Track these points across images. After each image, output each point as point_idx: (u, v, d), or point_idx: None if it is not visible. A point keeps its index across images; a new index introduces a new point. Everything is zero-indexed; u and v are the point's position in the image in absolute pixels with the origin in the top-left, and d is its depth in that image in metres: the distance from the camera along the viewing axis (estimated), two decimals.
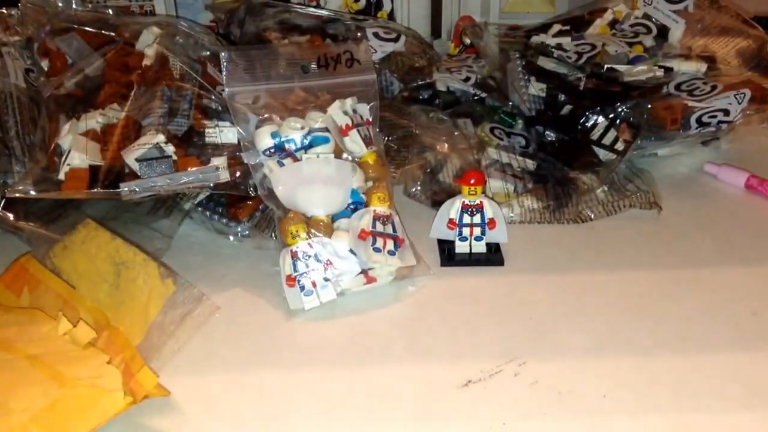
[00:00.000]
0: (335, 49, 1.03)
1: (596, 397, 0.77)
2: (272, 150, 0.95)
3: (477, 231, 0.99)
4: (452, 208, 0.99)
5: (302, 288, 0.90)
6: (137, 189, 0.94)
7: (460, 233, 0.99)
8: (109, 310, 0.88)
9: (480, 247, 1.00)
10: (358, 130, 0.97)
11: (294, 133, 0.95)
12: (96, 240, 0.95)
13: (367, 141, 0.98)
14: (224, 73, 0.97)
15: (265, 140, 0.95)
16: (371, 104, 1.01)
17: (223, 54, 0.99)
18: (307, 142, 0.95)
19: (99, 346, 0.81)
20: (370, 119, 1.01)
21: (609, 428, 0.73)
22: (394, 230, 0.95)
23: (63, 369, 0.76)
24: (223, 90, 0.99)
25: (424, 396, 0.78)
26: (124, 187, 0.93)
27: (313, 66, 1.00)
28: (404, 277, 0.96)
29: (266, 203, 0.96)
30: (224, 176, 0.97)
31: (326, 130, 0.96)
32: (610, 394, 0.77)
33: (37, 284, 0.93)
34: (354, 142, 0.97)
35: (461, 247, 1.00)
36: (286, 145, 0.94)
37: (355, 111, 0.99)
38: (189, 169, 0.96)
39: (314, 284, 0.90)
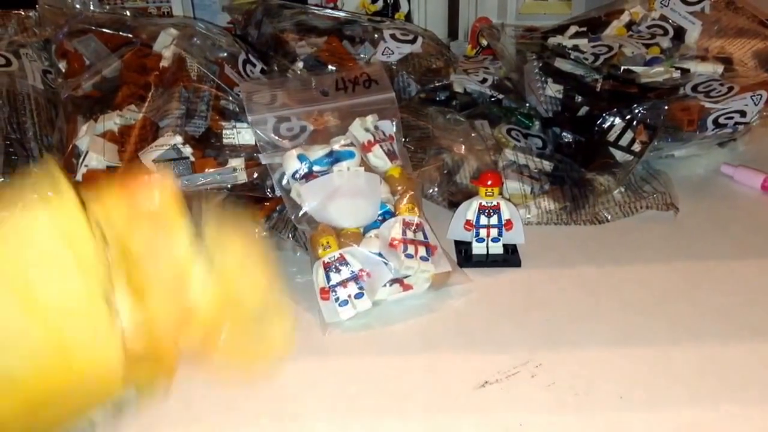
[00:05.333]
0: (352, 72, 1.04)
1: (613, 398, 0.77)
2: (300, 172, 0.95)
3: (494, 232, 0.99)
4: (469, 210, 0.99)
5: (337, 299, 0.89)
6: None
7: (477, 234, 0.99)
8: None
9: (497, 249, 1.00)
10: (380, 146, 0.98)
11: (319, 153, 0.96)
12: None
13: (391, 156, 0.98)
14: (245, 103, 0.98)
15: (293, 163, 0.95)
16: (394, 120, 1.02)
17: (241, 86, 1.00)
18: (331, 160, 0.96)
19: None
20: (393, 135, 1.01)
21: (626, 428, 0.74)
22: (425, 237, 0.94)
23: None
24: (240, 92, 0.99)
25: (441, 397, 0.78)
26: None
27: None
28: (441, 285, 0.95)
29: (297, 225, 0.96)
30: (241, 177, 0.98)
31: (351, 145, 0.96)
32: (627, 395, 0.77)
33: None
34: (377, 158, 0.98)
35: (478, 249, 1.00)
36: (315, 167, 0.95)
37: (377, 128, 1.00)
38: (206, 170, 0.96)
39: (349, 295, 0.90)
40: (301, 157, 0.95)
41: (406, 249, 0.91)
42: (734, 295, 0.93)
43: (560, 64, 1.26)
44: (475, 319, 0.90)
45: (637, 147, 1.13)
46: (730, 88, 1.15)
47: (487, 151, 1.15)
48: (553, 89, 1.24)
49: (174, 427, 0.76)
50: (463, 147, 1.15)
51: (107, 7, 1.30)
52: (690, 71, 1.21)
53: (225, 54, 1.13)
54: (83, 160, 0.96)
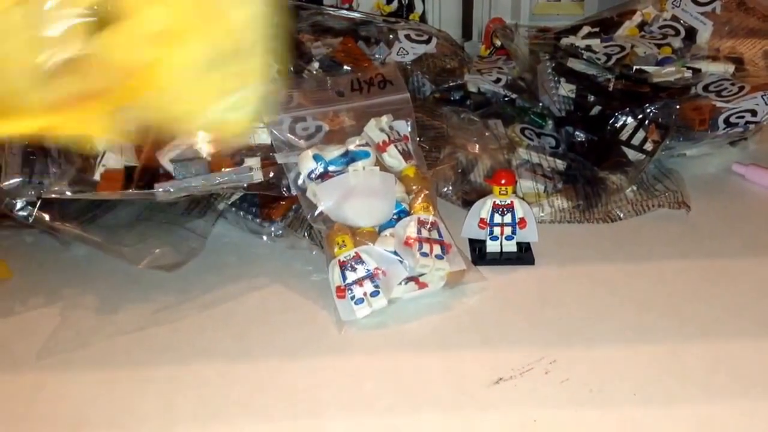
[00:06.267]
0: (367, 72, 1.05)
1: (627, 395, 0.77)
2: (316, 172, 0.96)
3: (508, 230, 1.00)
4: (483, 208, 1.00)
5: (353, 297, 0.90)
6: (171, 190, 0.95)
7: (491, 232, 1.00)
8: None
9: (511, 247, 1.01)
10: (395, 146, 0.99)
11: (335, 153, 0.97)
12: None
13: (406, 155, 1.00)
14: None
15: (308, 163, 0.96)
16: (408, 120, 1.03)
17: None
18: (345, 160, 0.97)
19: None
20: (408, 135, 1.02)
21: (640, 425, 0.74)
22: (440, 236, 0.95)
23: None
24: None
25: (454, 393, 0.79)
26: (159, 188, 0.94)
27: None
28: (456, 283, 0.96)
29: (313, 224, 0.97)
30: (258, 177, 0.98)
31: (366, 145, 0.97)
32: (641, 392, 0.78)
33: None
34: (392, 158, 0.99)
35: (492, 247, 1.01)
36: (330, 167, 0.96)
37: (391, 128, 1.01)
38: (223, 169, 0.97)
39: (365, 293, 0.91)
40: (316, 157, 0.96)
41: (421, 247, 0.91)
42: (747, 293, 0.93)
43: (573, 64, 1.27)
44: (490, 316, 0.91)
45: (649, 146, 1.13)
46: (741, 88, 1.16)
47: (500, 150, 1.16)
48: (566, 89, 1.25)
49: (188, 425, 0.77)
50: (477, 146, 1.16)
51: None
52: (701, 71, 1.22)
53: None
54: (101, 159, 0.97)
